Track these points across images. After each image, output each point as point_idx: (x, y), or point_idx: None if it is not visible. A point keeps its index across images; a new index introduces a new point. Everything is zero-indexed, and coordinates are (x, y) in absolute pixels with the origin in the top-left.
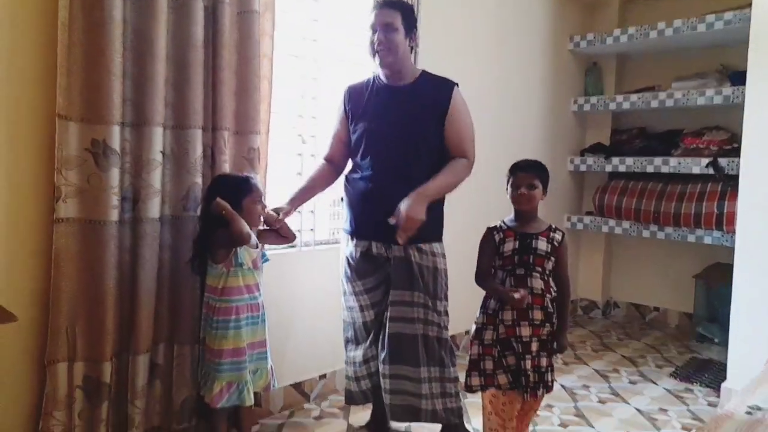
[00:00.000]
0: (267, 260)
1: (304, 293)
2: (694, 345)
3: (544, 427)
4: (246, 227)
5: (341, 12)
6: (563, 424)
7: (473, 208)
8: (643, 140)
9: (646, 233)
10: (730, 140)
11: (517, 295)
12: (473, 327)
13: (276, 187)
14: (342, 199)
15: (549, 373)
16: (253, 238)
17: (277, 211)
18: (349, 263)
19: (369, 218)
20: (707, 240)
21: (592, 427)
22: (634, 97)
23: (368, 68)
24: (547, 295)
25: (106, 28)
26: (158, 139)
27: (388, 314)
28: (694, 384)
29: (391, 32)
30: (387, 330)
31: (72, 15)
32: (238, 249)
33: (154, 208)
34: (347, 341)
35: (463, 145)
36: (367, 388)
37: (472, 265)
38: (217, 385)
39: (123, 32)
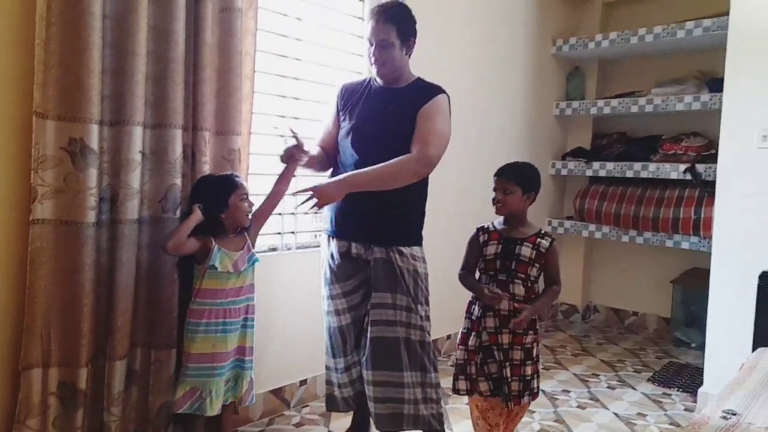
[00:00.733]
0: (256, 261)
1: (284, 297)
2: (672, 349)
3: None
4: (178, 240)
5: (326, 12)
6: (543, 430)
7: (455, 211)
8: (623, 145)
9: (625, 238)
10: (708, 146)
11: (489, 293)
12: (460, 331)
13: (257, 188)
14: None
15: (534, 380)
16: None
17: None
18: (328, 265)
19: (349, 218)
20: (685, 245)
21: None
22: (614, 102)
23: (351, 72)
24: (529, 303)
25: (85, 22)
26: (137, 138)
27: (369, 318)
28: (672, 389)
29: (385, 48)
30: (369, 334)
31: (50, 9)
32: (214, 250)
33: (132, 209)
34: (327, 347)
35: (422, 140)
36: (349, 395)
37: (454, 268)
38: (180, 390)
39: (102, 27)
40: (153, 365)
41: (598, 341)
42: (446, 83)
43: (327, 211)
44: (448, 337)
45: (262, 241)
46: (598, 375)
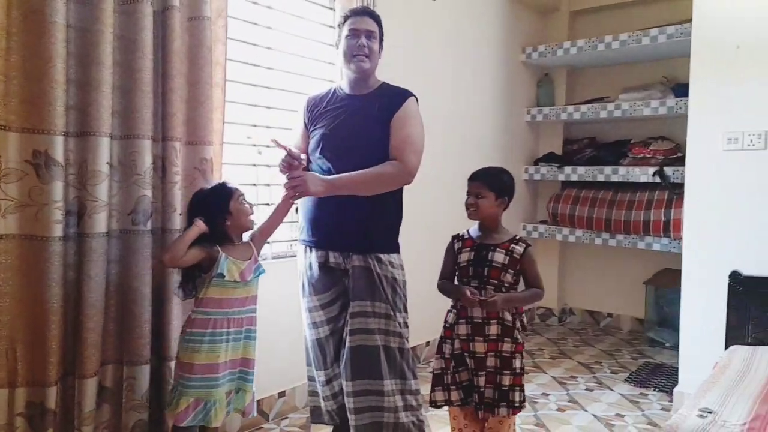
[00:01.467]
0: (262, 272)
1: (260, 308)
2: (647, 349)
3: None
4: (176, 252)
5: (296, 21)
6: None
7: (428, 219)
8: (594, 150)
9: (598, 241)
10: (675, 150)
11: (468, 293)
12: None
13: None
14: (296, 209)
15: (515, 393)
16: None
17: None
18: (306, 277)
19: (325, 226)
20: (656, 246)
21: None
22: (584, 108)
23: (323, 80)
24: (505, 310)
25: (48, 32)
26: (104, 149)
27: (348, 328)
28: (648, 389)
29: (372, 39)
30: (348, 343)
31: (10, 18)
32: (221, 258)
33: (100, 222)
34: (311, 360)
35: (402, 149)
36: (332, 409)
37: (431, 275)
38: (183, 401)
39: (66, 37)
40: (125, 382)
41: (574, 343)
42: (418, 92)
43: (302, 221)
44: (427, 344)
45: None
46: (576, 377)
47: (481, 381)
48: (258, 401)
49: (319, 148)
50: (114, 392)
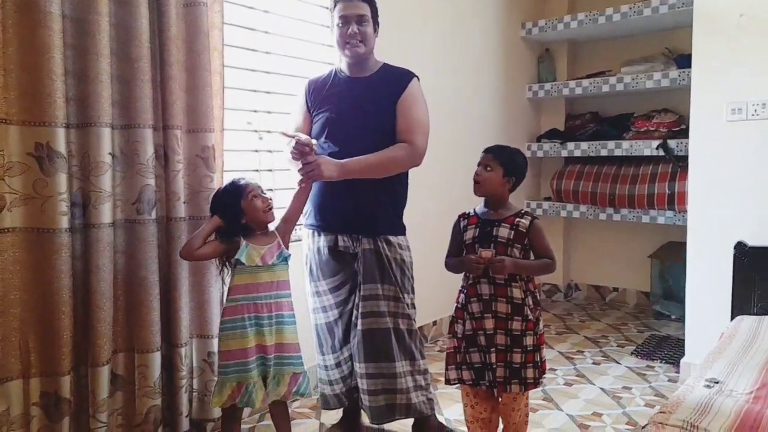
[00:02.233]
0: (288, 256)
1: None
2: (653, 322)
3: None
4: (190, 247)
5: (293, 3)
6: (533, 409)
7: (432, 199)
8: (596, 124)
9: (602, 216)
10: (678, 122)
11: (472, 257)
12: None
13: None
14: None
15: (528, 369)
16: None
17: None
18: (314, 261)
19: (334, 210)
20: (661, 220)
21: (561, 410)
22: (586, 83)
23: (320, 62)
24: (514, 286)
25: (44, 23)
26: (106, 140)
27: (360, 311)
28: (655, 361)
29: (363, 24)
30: (359, 327)
31: (4, 10)
32: (242, 247)
33: (105, 212)
34: (316, 345)
35: (411, 132)
36: (341, 391)
37: (437, 254)
38: (228, 387)
39: (62, 28)
40: (138, 369)
41: (581, 318)
42: (418, 71)
43: (309, 206)
44: (434, 323)
45: None
46: (583, 352)
47: (492, 358)
48: None
49: (325, 132)
50: (126, 380)
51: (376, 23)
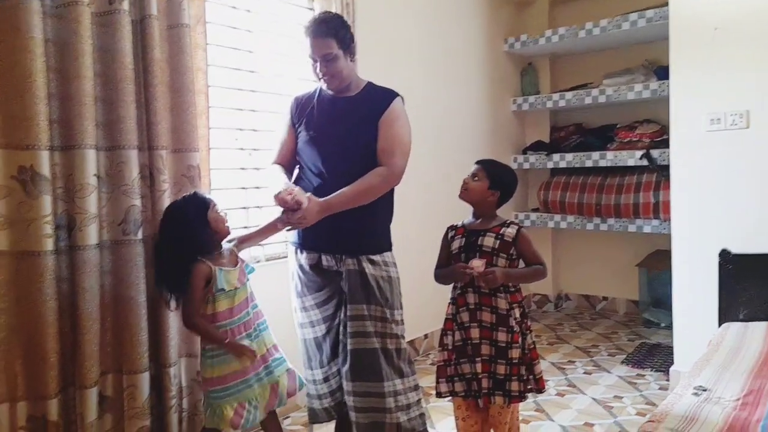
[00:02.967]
0: (252, 271)
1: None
2: (643, 330)
3: None
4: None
5: (275, 23)
6: (524, 420)
7: (419, 212)
8: (580, 136)
9: (590, 226)
10: (661, 132)
11: (460, 266)
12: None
13: (222, 204)
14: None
15: (512, 382)
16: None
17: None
18: (298, 277)
19: (317, 229)
20: (647, 229)
21: (553, 420)
22: (569, 95)
23: (306, 80)
24: (499, 296)
25: (27, 48)
26: (91, 161)
27: (349, 330)
28: (645, 369)
29: (330, 62)
30: (348, 346)
31: None
32: (215, 273)
33: (91, 234)
34: (304, 360)
35: (390, 152)
36: (330, 405)
37: (426, 267)
38: (229, 409)
39: (45, 52)
40: (126, 390)
41: (571, 328)
42: (403, 87)
43: None
44: (426, 336)
45: None
46: (574, 362)
47: (478, 368)
48: None
49: (308, 149)
50: (115, 401)
51: (348, 53)
